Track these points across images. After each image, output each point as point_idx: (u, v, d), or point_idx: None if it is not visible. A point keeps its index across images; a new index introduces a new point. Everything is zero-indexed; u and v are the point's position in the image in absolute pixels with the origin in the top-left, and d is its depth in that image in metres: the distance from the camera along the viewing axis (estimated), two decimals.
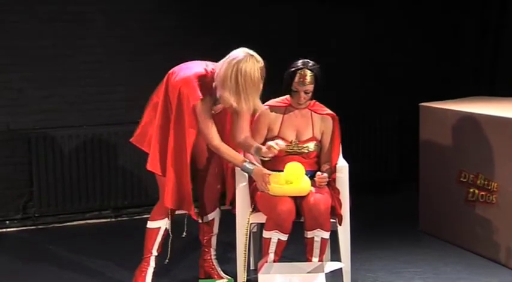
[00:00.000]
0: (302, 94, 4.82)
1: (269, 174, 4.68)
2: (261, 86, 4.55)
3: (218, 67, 4.55)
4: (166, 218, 4.80)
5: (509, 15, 7.05)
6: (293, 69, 4.81)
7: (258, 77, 4.50)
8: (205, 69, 4.62)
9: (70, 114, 6.40)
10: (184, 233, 4.87)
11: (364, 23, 7.20)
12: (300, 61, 4.83)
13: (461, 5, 7.36)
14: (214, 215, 4.98)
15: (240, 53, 4.52)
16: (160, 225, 4.81)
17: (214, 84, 4.57)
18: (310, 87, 4.81)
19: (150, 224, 4.83)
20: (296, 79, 4.79)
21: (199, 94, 4.53)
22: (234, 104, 4.50)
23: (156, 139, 4.68)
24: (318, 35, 6.96)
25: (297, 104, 4.89)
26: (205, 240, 5.02)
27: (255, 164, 4.71)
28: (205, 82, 4.58)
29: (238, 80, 4.46)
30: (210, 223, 4.99)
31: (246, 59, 4.49)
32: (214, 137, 4.63)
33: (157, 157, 4.69)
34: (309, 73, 4.79)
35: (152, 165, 4.71)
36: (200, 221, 4.99)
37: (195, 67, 4.64)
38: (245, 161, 4.68)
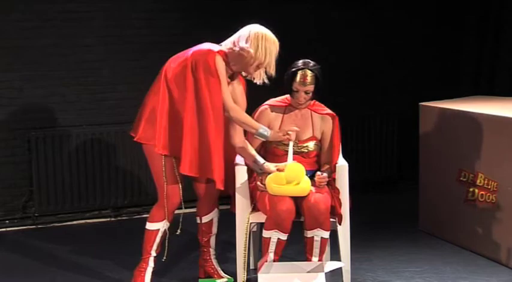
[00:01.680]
0: (302, 94, 4.82)
1: (283, 132, 4.70)
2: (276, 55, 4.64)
3: (231, 39, 4.67)
4: (165, 220, 4.79)
5: (509, 15, 7.05)
6: (294, 69, 4.81)
7: (275, 42, 4.61)
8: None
9: (70, 114, 6.40)
10: (179, 231, 4.83)
11: (364, 23, 7.20)
12: (301, 61, 4.83)
13: (462, 4, 7.36)
14: (213, 216, 4.97)
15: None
16: (159, 227, 4.80)
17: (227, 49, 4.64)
18: (311, 88, 4.81)
19: (149, 226, 4.82)
20: (297, 79, 4.79)
21: (214, 50, 4.58)
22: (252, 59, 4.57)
23: (163, 122, 4.64)
24: (318, 35, 6.96)
25: (297, 104, 4.89)
26: (204, 241, 5.00)
27: (269, 129, 4.70)
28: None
29: (259, 37, 4.59)
30: (209, 224, 4.98)
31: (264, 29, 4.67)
32: (230, 98, 4.64)
33: (165, 137, 4.64)
34: (309, 73, 4.79)
35: (160, 147, 4.65)
36: (199, 221, 4.99)
37: (193, 47, 4.70)
38: (261, 127, 4.67)
